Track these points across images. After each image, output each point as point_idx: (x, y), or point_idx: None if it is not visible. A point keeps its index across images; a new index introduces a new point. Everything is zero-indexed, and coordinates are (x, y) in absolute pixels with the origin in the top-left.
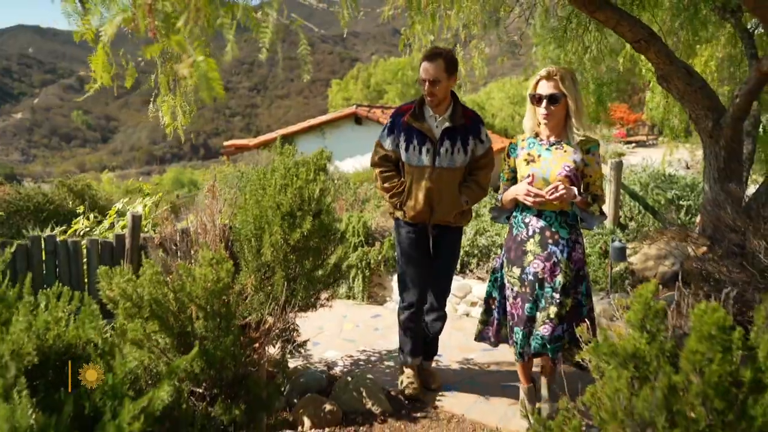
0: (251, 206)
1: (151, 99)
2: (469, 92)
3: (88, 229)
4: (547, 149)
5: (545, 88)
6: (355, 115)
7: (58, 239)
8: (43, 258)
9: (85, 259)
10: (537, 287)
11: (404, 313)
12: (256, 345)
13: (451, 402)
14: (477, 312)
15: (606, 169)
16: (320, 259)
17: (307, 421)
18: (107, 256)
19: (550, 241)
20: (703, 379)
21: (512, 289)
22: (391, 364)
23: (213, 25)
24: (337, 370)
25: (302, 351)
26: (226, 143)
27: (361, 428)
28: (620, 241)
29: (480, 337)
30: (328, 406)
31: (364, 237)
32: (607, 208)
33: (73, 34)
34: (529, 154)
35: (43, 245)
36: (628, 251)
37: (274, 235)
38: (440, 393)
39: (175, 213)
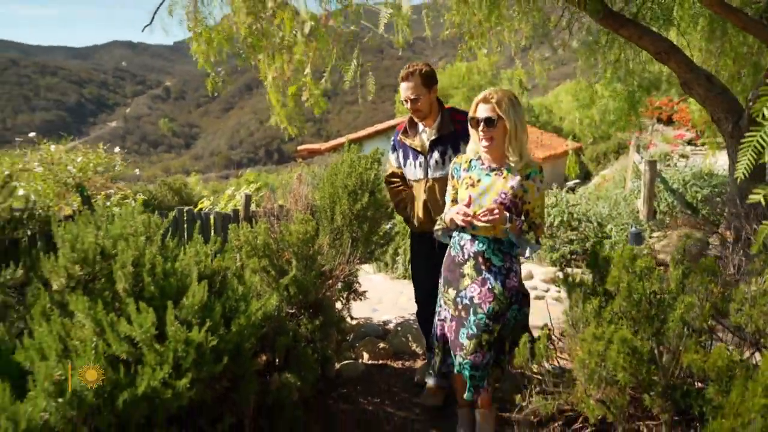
0: (327, 186)
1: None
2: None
3: (210, 207)
4: (487, 174)
5: (482, 111)
6: None
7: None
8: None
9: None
10: (471, 312)
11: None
12: (330, 283)
13: None
14: None
15: (642, 167)
16: (375, 226)
17: (365, 355)
18: (227, 223)
19: (483, 267)
20: (619, 295)
21: (447, 311)
22: None
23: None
24: (390, 326)
25: (361, 298)
26: (299, 147)
27: (407, 362)
28: (637, 227)
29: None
30: (381, 345)
31: None
32: (641, 203)
33: (159, 47)
34: (470, 178)
35: (185, 216)
36: (653, 239)
37: (343, 206)
38: None
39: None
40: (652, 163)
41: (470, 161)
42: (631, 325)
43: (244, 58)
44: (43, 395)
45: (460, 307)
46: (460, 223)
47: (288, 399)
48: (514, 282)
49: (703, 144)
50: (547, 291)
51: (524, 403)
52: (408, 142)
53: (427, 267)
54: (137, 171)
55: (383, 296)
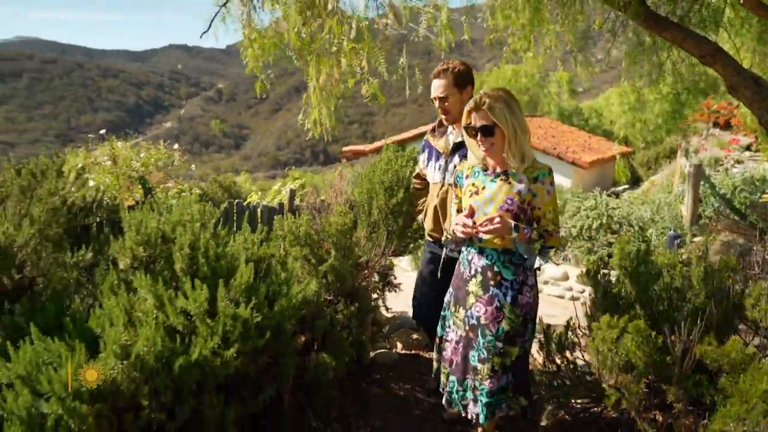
0: (365, 182)
1: (301, 111)
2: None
3: (258, 201)
4: (492, 180)
5: (476, 119)
6: None
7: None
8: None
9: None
10: (479, 334)
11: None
12: (365, 273)
13: None
14: (549, 289)
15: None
16: (409, 220)
17: (399, 345)
18: (273, 215)
19: (492, 282)
20: (630, 281)
21: (456, 332)
22: None
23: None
24: None
25: (396, 290)
26: (344, 149)
27: (422, 354)
28: (676, 231)
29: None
30: (415, 336)
31: None
32: (686, 208)
33: (212, 50)
34: (473, 185)
35: (235, 208)
36: (693, 244)
37: (379, 201)
38: None
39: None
40: (697, 167)
41: (473, 168)
42: (647, 317)
43: (293, 60)
44: (112, 356)
45: (467, 327)
46: (460, 235)
47: (324, 377)
48: (528, 298)
49: (756, 150)
50: (582, 292)
51: (545, 393)
52: (433, 142)
53: (430, 275)
54: (193, 167)
55: None
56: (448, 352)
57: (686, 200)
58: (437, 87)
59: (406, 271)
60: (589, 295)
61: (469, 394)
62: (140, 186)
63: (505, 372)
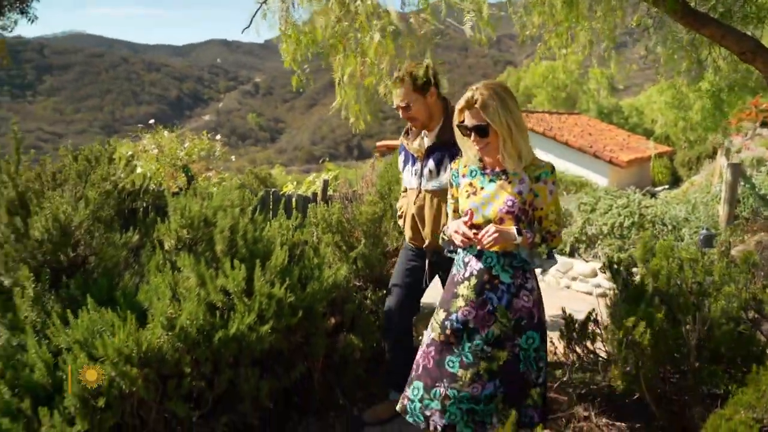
0: (387, 174)
1: (341, 106)
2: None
3: (293, 190)
4: (490, 180)
5: (469, 118)
6: None
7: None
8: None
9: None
10: (465, 338)
11: (384, 326)
12: (393, 260)
13: None
14: (577, 285)
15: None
16: None
17: (423, 331)
18: (307, 204)
19: (487, 286)
20: (651, 274)
21: (429, 335)
22: None
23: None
24: None
25: None
26: (378, 144)
27: None
28: (709, 230)
29: None
30: None
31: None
32: (721, 207)
33: (250, 45)
34: (470, 185)
35: (271, 197)
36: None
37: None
38: None
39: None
40: (734, 166)
41: (469, 166)
42: (667, 309)
43: (325, 56)
44: (159, 327)
45: (448, 331)
46: (458, 243)
47: (351, 357)
48: (525, 302)
49: None
50: (610, 289)
51: (565, 378)
52: (406, 144)
53: (407, 277)
54: (233, 158)
55: None
56: (418, 355)
57: (722, 199)
58: (397, 96)
59: None
60: (612, 289)
61: (435, 404)
62: (183, 174)
63: (492, 378)
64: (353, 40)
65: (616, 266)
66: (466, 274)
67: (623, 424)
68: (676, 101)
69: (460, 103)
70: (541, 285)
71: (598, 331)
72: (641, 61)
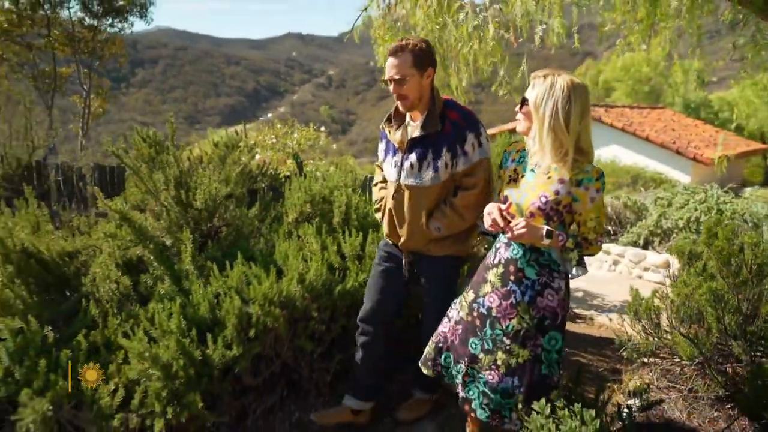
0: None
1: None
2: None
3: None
4: (532, 170)
5: (527, 91)
6: None
7: None
8: None
9: None
10: (488, 324)
11: (357, 327)
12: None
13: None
14: (649, 276)
15: None
16: None
17: None
18: None
19: (512, 278)
20: (713, 255)
21: (458, 312)
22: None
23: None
24: None
25: None
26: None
27: None
28: None
29: None
30: None
31: None
32: None
33: (324, 38)
34: (515, 171)
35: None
36: None
37: None
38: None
39: None
40: None
41: (521, 151)
42: (725, 286)
43: None
44: (292, 280)
45: (475, 313)
46: (487, 227)
47: None
48: (550, 301)
49: None
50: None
51: (627, 343)
52: (388, 132)
53: (383, 278)
54: (333, 146)
55: None
56: (444, 327)
57: None
58: (392, 67)
59: None
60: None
61: (459, 378)
62: (294, 160)
63: (510, 374)
64: (448, 44)
65: (681, 247)
66: (495, 261)
67: (683, 386)
68: (767, 95)
69: (533, 74)
70: (614, 274)
71: (663, 305)
72: (725, 56)
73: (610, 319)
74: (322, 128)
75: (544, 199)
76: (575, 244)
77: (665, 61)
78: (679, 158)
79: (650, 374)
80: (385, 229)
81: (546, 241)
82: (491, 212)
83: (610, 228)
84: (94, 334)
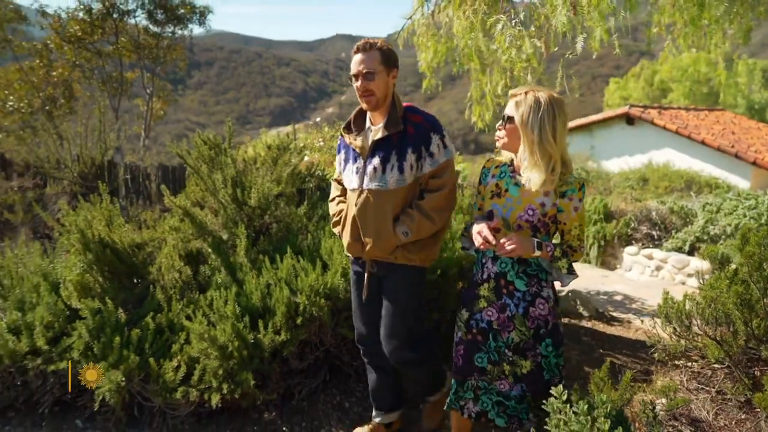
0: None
1: (467, 106)
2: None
3: None
4: (515, 184)
5: (509, 108)
6: (627, 115)
7: None
8: None
9: None
10: (491, 338)
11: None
12: None
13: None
14: (692, 282)
15: None
16: None
17: None
18: None
19: (504, 291)
20: (746, 260)
21: (457, 334)
22: (603, 296)
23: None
24: (562, 293)
25: None
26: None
27: (572, 320)
28: None
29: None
30: None
31: (604, 215)
32: None
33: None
34: (497, 186)
35: None
36: None
37: None
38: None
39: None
40: None
41: (501, 166)
42: (754, 290)
43: (459, 65)
44: (336, 273)
45: (474, 330)
46: (477, 245)
47: None
48: (542, 310)
49: None
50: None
51: (658, 345)
52: (349, 140)
53: (359, 298)
54: None
55: None
56: (453, 353)
57: None
58: (361, 61)
59: None
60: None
61: (469, 394)
62: None
63: (518, 382)
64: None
65: (714, 255)
66: (484, 276)
67: (712, 388)
68: None
69: (511, 92)
70: (656, 279)
71: (694, 308)
72: None
73: (642, 321)
74: None
75: (531, 212)
76: (562, 253)
77: (725, 59)
78: (738, 162)
79: (680, 376)
80: (346, 240)
81: (537, 253)
82: (481, 231)
83: (654, 233)
84: (159, 316)
